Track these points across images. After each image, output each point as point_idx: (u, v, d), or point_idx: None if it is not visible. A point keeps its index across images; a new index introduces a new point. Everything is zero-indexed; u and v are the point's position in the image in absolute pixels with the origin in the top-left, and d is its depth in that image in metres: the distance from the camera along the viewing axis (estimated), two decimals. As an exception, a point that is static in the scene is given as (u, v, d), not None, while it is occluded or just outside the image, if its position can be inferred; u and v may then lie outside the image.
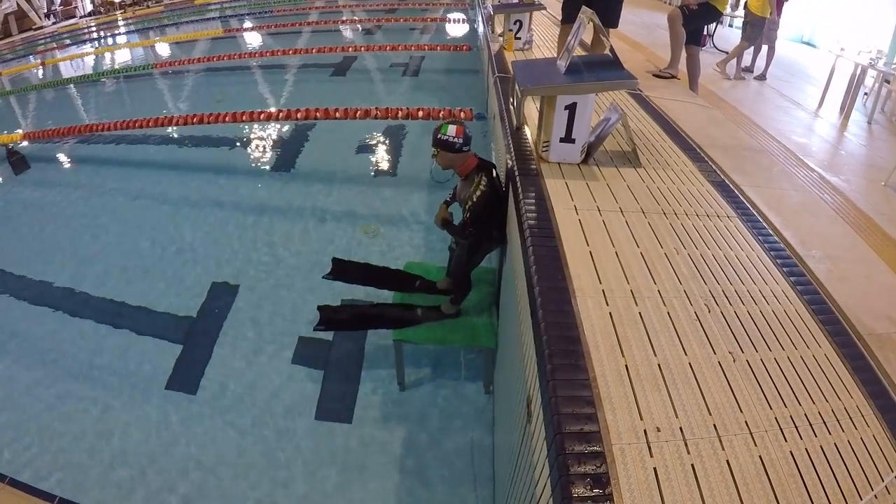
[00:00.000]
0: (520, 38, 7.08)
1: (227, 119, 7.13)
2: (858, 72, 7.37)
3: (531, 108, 4.35)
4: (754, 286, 2.45)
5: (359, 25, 15.13)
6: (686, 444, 1.68)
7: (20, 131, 8.74)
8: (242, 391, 4.07)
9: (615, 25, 5.52)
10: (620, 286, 2.36)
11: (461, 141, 3.34)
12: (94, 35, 17.99)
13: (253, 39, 14.67)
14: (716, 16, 6.61)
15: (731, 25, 12.81)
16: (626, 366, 1.94)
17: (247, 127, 8.34)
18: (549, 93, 3.38)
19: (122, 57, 14.33)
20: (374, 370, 4.17)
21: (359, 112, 6.84)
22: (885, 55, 7.80)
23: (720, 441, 1.70)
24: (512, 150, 3.67)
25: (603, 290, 2.32)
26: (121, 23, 19.66)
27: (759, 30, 8.33)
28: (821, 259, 2.78)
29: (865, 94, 7.68)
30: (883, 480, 1.63)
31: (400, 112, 6.78)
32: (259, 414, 3.89)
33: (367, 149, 7.73)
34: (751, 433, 1.73)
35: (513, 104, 4.32)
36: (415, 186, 6.61)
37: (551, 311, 2.16)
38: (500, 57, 6.73)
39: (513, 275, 3.04)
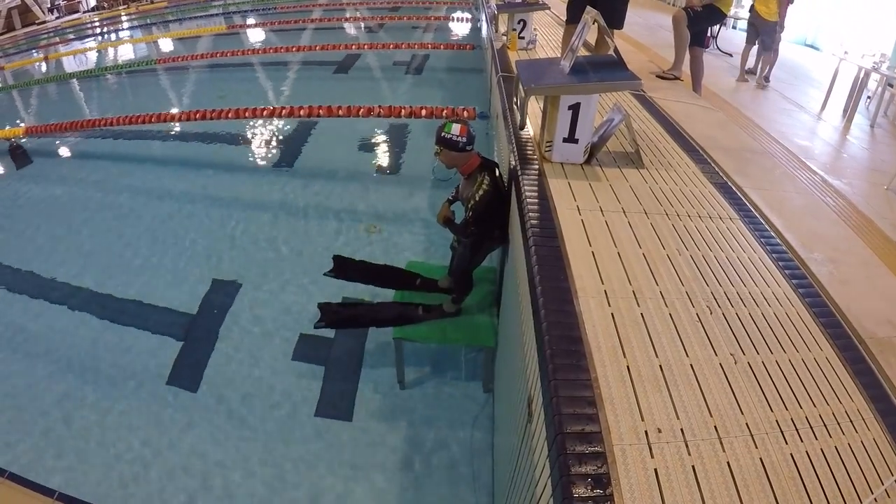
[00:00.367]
0: (523, 38, 7.08)
1: (229, 115, 7.12)
2: (862, 75, 7.36)
3: (534, 107, 4.34)
4: (756, 288, 2.45)
5: (362, 23, 15.12)
6: (687, 446, 1.68)
7: (22, 126, 8.73)
8: (243, 388, 4.07)
9: (620, 26, 5.52)
10: (622, 287, 2.36)
11: (465, 140, 3.35)
12: (98, 30, 18.01)
13: (256, 36, 14.66)
14: (720, 17, 6.60)
15: (734, 27, 12.80)
16: (628, 366, 1.94)
17: (249, 123, 8.35)
18: (553, 92, 3.38)
19: (125, 52, 14.33)
20: (375, 368, 4.17)
21: (361, 110, 6.84)
22: (888, 59, 7.78)
23: (721, 443, 1.70)
24: (515, 149, 3.67)
25: (605, 291, 2.32)
26: (124, 18, 19.65)
27: (771, 35, 8.27)
28: (822, 262, 2.78)
29: (868, 97, 7.66)
30: (883, 484, 1.63)
31: (403, 110, 6.77)
32: (259, 411, 3.89)
33: (369, 147, 7.73)
34: (751, 435, 1.73)
35: (516, 104, 4.32)
36: (417, 185, 6.61)
37: (553, 310, 2.16)
38: (503, 56, 6.73)
39: (514, 274, 3.04)
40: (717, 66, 9.05)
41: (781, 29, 8.30)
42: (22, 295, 5.12)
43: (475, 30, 12.76)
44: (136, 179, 7.06)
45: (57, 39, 16.63)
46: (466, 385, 4.02)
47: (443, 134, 3.36)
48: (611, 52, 3.68)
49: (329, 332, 4.37)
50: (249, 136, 8.20)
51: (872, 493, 1.61)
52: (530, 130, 4.03)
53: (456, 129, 3.34)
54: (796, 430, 1.78)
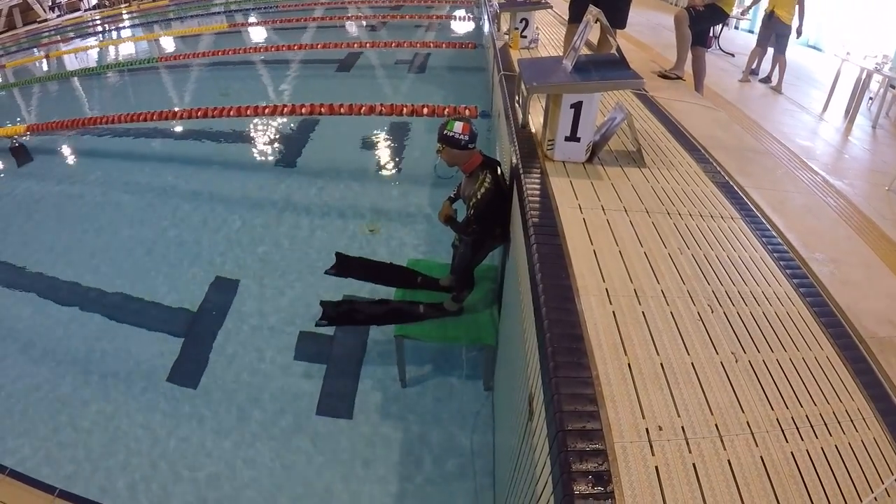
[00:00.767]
0: (525, 37, 7.08)
1: (231, 113, 7.12)
2: (864, 76, 7.36)
3: (536, 106, 4.35)
4: (757, 287, 2.45)
5: (364, 22, 15.11)
6: (688, 443, 1.68)
7: (24, 123, 8.73)
8: (243, 385, 4.08)
9: (622, 26, 5.51)
10: (624, 285, 2.36)
11: (467, 138, 3.35)
12: (99, 28, 17.99)
13: (258, 34, 14.66)
14: (722, 17, 6.60)
15: (736, 27, 12.80)
16: (629, 364, 1.94)
17: (251, 122, 8.35)
18: (555, 91, 3.38)
19: (127, 50, 14.32)
20: (376, 366, 4.18)
21: (363, 108, 6.84)
22: (890, 60, 7.79)
23: (722, 441, 1.70)
24: (517, 147, 3.67)
25: (606, 289, 2.32)
26: (125, 16, 19.65)
27: (786, 39, 8.25)
28: (824, 262, 2.79)
29: (870, 98, 7.66)
30: (883, 483, 1.64)
31: (405, 109, 6.77)
32: (260, 408, 3.89)
33: (371, 145, 7.74)
34: (752, 433, 1.74)
35: (518, 102, 4.32)
36: (419, 183, 6.61)
37: (554, 308, 2.17)
38: (505, 55, 6.73)
39: (516, 272, 3.04)
40: (720, 66, 9.06)
41: (799, 34, 8.29)
42: (22, 292, 5.12)
43: (477, 28, 12.76)
44: (137, 177, 7.05)
45: (58, 37, 16.60)
46: (467, 383, 4.02)
47: (445, 132, 3.36)
48: (613, 51, 3.67)
49: (330, 330, 4.38)
50: (251, 134, 8.20)
51: (872, 491, 1.61)
52: (532, 129, 4.03)
53: (458, 126, 3.34)
54: (797, 428, 1.78)
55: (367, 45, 12.05)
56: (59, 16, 20.35)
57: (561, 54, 4.51)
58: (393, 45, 11.48)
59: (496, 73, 6.28)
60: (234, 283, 5.05)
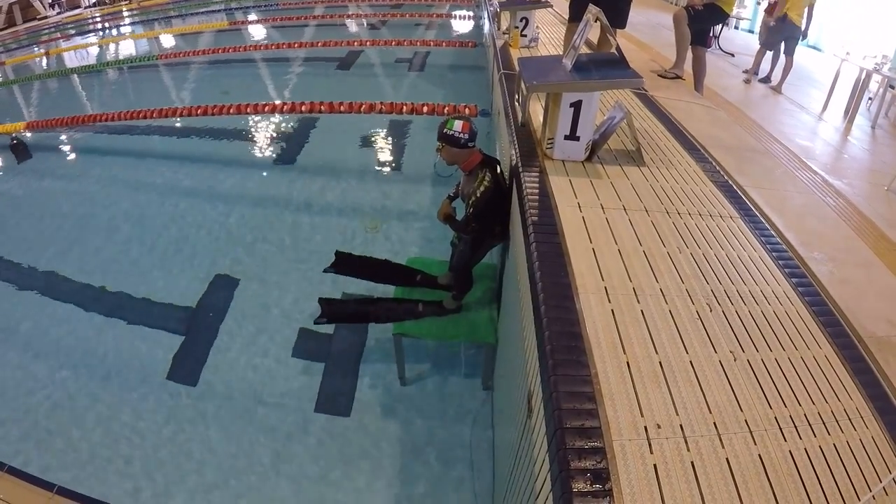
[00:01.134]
0: (525, 36, 7.08)
1: (231, 111, 7.12)
2: (863, 76, 7.37)
3: (536, 105, 4.35)
4: (756, 287, 2.45)
5: (364, 20, 15.09)
6: (686, 442, 1.69)
7: (23, 120, 8.72)
8: (242, 382, 4.08)
9: (623, 26, 5.51)
10: (623, 284, 2.37)
11: (467, 136, 3.35)
12: (99, 25, 17.97)
13: (258, 32, 14.66)
14: (722, 17, 6.60)
15: (736, 27, 12.79)
16: (628, 362, 1.95)
17: (251, 119, 8.35)
18: (555, 90, 3.38)
19: (127, 48, 14.31)
20: (374, 364, 4.18)
21: (363, 106, 6.84)
22: (889, 60, 7.79)
23: (720, 439, 1.71)
24: (516, 146, 3.67)
25: (605, 288, 2.33)
26: (125, 14, 19.61)
27: (796, 41, 8.22)
28: (822, 261, 2.79)
29: (870, 98, 7.67)
30: (881, 482, 1.64)
31: (405, 107, 6.77)
32: (258, 405, 3.90)
33: (371, 143, 7.73)
34: (750, 432, 1.74)
35: (518, 101, 4.32)
36: (418, 181, 6.61)
37: (553, 307, 2.17)
38: (505, 54, 6.73)
39: (515, 271, 3.05)
40: (720, 65, 9.06)
41: (805, 37, 8.27)
42: (22, 290, 5.11)
43: (477, 27, 12.74)
44: (136, 175, 7.05)
45: (58, 35, 16.58)
46: (466, 381, 4.03)
47: (445, 130, 3.36)
48: (613, 50, 3.68)
49: (329, 328, 4.38)
50: (251, 131, 8.20)
51: (870, 490, 1.61)
52: (532, 128, 4.03)
53: (458, 125, 3.34)
54: (795, 427, 1.78)
55: (368, 43, 12.04)
56: (59, 13, 20.33)
57: (561, 53, 4.50)
58: (393, 43, 11.47)
59: (496, 72, 6.28)
60: (234, 281, 5.05)
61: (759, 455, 1.67)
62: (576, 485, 1.53)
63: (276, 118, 8.40)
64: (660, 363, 1.96)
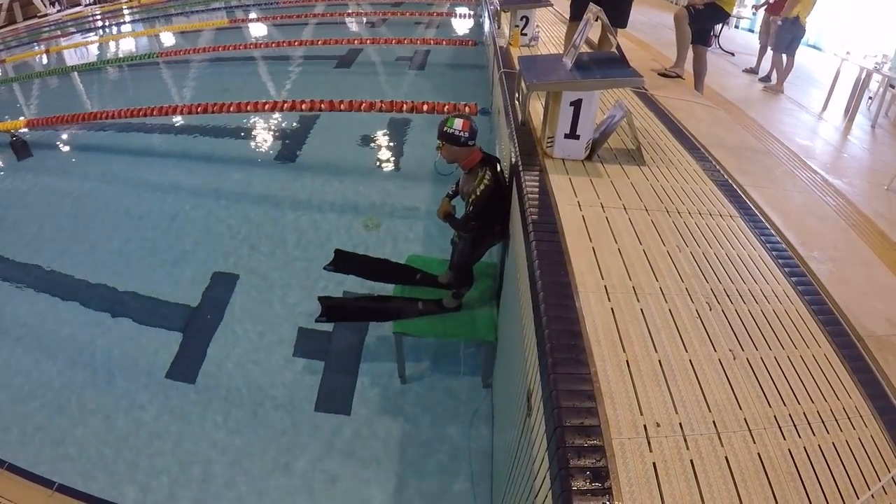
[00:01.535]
0: (525, 35, 7.08)
1: (231, 109, 7.11)
2: (863, 76, 7.36)
3: (536, 104, 4.34)
4: (756, 285, 2.46)
5: (364, 18, 15.09)
6: (685, 440, 1.69)
7: (23, 118, 8.71)
8: (242, 381, 4.08)
9: (624, 25, 5.51)
10: (622, 282, 2.37)
11: (467, 135, 3.35)
12: (99, 23, 17.94)
13: (258, 30, 14.65)
14: (723, 16, 6.60)
15: (737, 27, 12.78)
16: (627, 361, 1.95)
17: (251, 117, 8.34)
18: (555, 88, 3.38)
19: (127, 45, 14.31)
20: (374, 362, 4.18)
21: (363, 104, 6.84)
22: (890, 60, 7.78)
23: (719, 438, 1.71)
24: (516, 145, 3.67)
25: (605, 286, 2.33)
26: (126, 11, 19.60)
27: (799, 41, 8.19)
28: (822, 260, 2.79)
29: (870, 98, 7.66)
30: (880, 481, 1.64)
31: (405, 105, 6.76)
32: (258, 404, 3.90)
33: (371, 141, 7.73)
34: (750, 431, 1.74)
35: (518, 99, 4.32)
36: (418, 180, 6.61)
37: (553, 305, 2.17)
38: (505, 52, 6.73)
39: (515, 269, 3.05)
40: (720, 64, 9.05)
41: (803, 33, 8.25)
42: (22, 288, 5.11)
43: (477, 26, 12.74)
44: (136, 172, 7.05)
45: (58, 32, 16.57)
46: (466, 379, 4.03)
47: (445, 129, 3.36)
48: (613, 49, 3.68)
49: (328, 326, 4.38)
50: (251, 129, 8.19)
51: (869, 489, 1.61)
52: (532, 126, 4.03)
53: (458, 123, 3.34)
54: (794, 426, 1.79)
55: (368, 41, 12.01)
56: (59, 11, 20.30)
57: (561, 52, 4.50)
58: (393, 41, 11.45)
59: (496, 71, 6.28)
60: (233, 279, 5.05)
61: (759, 454, 1.68)
62: (575, 483, 1.53)
63: (277, 116, 8.39)
64: (659, 362, 1.96)
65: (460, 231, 3.73)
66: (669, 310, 2.23)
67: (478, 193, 3.36)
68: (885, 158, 6.01)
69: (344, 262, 4.34)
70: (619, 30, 5.34)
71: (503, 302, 3.76)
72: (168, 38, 14.32)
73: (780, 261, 2.67)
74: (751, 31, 12.56)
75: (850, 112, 7.27)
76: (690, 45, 6.42)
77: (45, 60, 13.24)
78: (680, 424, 1.74)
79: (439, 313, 3.83)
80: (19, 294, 5.04)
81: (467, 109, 6.42)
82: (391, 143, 7.72)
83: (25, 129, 8.26)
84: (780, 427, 1.77)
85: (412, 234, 5.61)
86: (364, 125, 7.91)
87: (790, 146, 5.71)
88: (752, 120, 6.54)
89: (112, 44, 14.62)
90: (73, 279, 5.16)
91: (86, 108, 9.50)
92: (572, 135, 3.47)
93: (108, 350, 4.38)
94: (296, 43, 11.54)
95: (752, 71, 8.88)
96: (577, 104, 3.35)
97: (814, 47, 11.30)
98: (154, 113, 7.37)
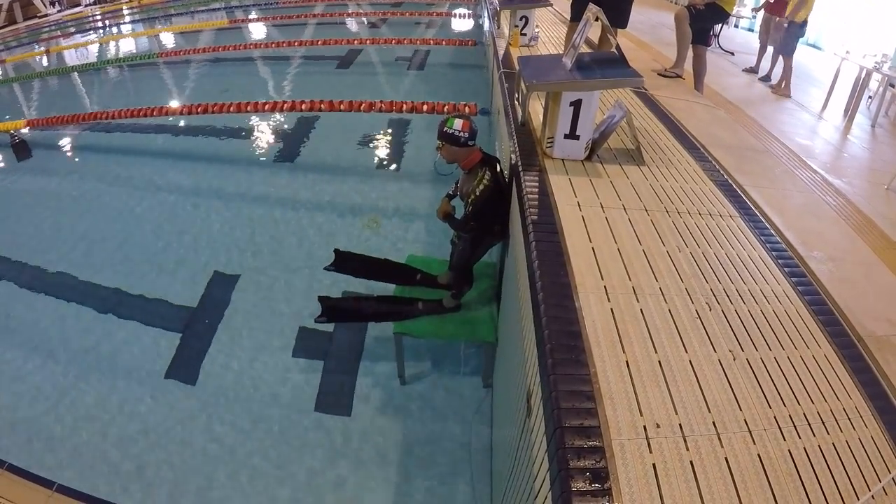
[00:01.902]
0: (525, 35, 7.07)
1: (231, 109, 7.12)
2: (863, 75, 7.36)
3: (536, 104, 4.34)
4: (756, 286, 2.45)
5: (364, 18, 15.08)
6: (685, 441, 1.69)
7: (23, 119, 8.72)
8: (242, 381, 4.08)
9: (624, 26, 5.51)
10: (622, 283, 2.37)
11: (467, 135, 3.34)
12: (100, 23, 17.95)
13: (258, 30, 14.66)
14: (723, 16, 6.60)
15: (736, 26, 12.78)
16: (627, 362, 1.95)
17: (251, 118, 8.34)
18: (555, 89, 3.38)
19: (127, 46, 14.30)
20: (374, 363, 4.18)
21: (363, 105, 6.84)
22: (889, 59, 7.77)
23: (719, 438, 1.71)
24: (516, 145, 3.67)
25: (605, 287, 2.33)
26: (126, 11, 19.60)
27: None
28: (822, 260, 2.79)
29: (870, 97, 7.65)
30: (881, 481, 1.64)
31: (404, 105, 6.77)
32: (258, 404, 3.90)
33: (370, 141, 7.73)
34: (750, 431, 1.74)
35: (518, 100, 4.32)
36: (418, 180, 6.61)
37: (553, 306, 2.17)
38: (505, 53, 6.72)
39: (515, 269, 3.05)
40: (720, 64, 9.05)
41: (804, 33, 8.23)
42: (21, 288, 5.11)
43: (477, 26, 12.74)
44: (136, 173, 7.05)
45: (58, 33, 16.58)
46: (466, 380, 4.03)
47: (445, 129, 3.36)
48: (613, 49, 3.68)
49: (329, 327, 4.38)
50: (251, 130, 8.19)
51: (870, 490, 1.61)
52: (532, 126, 4.02)
53: (458, 124, 3.34)
54: (794, 426, 1.78)
55: (368, 41, 12.01)
56: (59, 11, 20.31)
57: (561, 52, 4.50)
58: (393, 41, 11.45)
59: (496, 71, 6.28)
60: (233, 279, 5.05)
61: (759, 454, 1.67)
62: (575, 484, 1.53)
63: (276, 116, 8.39)
64: (659, 362, 1.96)
65: (459, 231, 3.72)
66: (669, 310, 2.23)
67: (477, 194, 3.36)
68: (886, 158, 6.01)
69: (344, 262, 4.34)
70: (618, 30, 5.34)
71: (503, 302, 3.75)
72: (168, 39, 14.33)
73: (779, 261, 2.66)
74: (750, 30, 12.55)
75: (850, 111, 7.27)
76: (690, 45, 6.42)
77: (45, 61, 13.25)
78: (680, 425, 1.73)
79: (439, 314, 3.83)
80: (19, 294, 5.04)
81: (467, 110, 6.42)
82: (391, 144, 7.72)
83: (26, 129, 8.26)
84: (780, 428, 1.77)
85: (412, 235, 5.61)
86: (364, 125, 7.91)
87: (790, 146, 5.71)
88: (752, 119, 6.54)
89: (112, 44, 14.63)
90: (72, 279, 5.16)
91: (86, 109, 9.51)
92: (572, 135, 3.46)
93: (108, 350, 4.38)
94: (296, 43, 11.55)
95: (752, 70, 8.88)
96: (576, 104, 3.35)
97: (814, 47, 11.30)
98: (154, 113, 7.37)
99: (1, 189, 7.01)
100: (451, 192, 3.82)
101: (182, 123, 8.37)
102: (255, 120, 8.37)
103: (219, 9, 18.17)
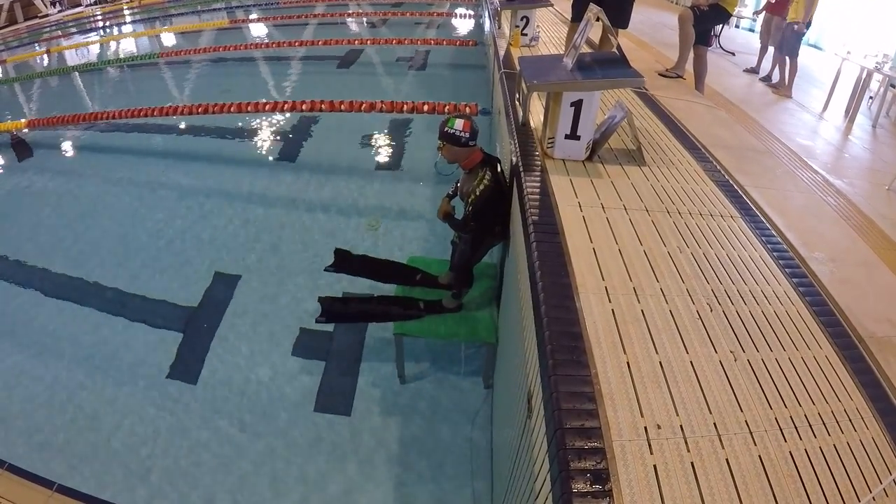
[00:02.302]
0: (526, 35, 7.07)
1: (232, 110, 7.11)
2: (864, 75, 7.36)
3: (537, 104, 4.34)
4: (756, 286, 2.45)
5: (364, 18, 15.09)
6: (686, 442, 1.68)
7: (24, 118, 8.72)
8: (242, 381, 4.07)
9: (625, 26, 5.51)
10: (623, 283, 2.36)
11: (468, 135, 3.34)
12: (100, 23, 17.95)
13: (259, 30, 14.66)
14: (726, 17, 6.61)
15: (737, 26, 12.78)
16: (628, 363, 1.94)
17: (252, 118, 8.34)
18: (556, 89, 3.38)
19: (128, 46, 14.31)
20: (374, 363, 4.18)
21: (364, 105, 6.84)
22: (890, 59, 7.77)
23: (720, 440, 1.70)
24: (517, 145, 3.66)
25: (605, 287, 2.32)
26: (126, 12, 19.61)
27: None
28: (823, 261, 2.79)
29: (871, 97, 7.65)
30: (881, 483, 1.64)
31: (405, 106, 6.76)
32: (258, 404, 3.89)
33: (371, 142, 7.73)
34: (751, 433, 1.74)
35: (518, 100, 4.31)
36: (419, 180, 6.61)
37: (554, 306, 2.17)
38: (506, 53, 6.72)
39: (515, 270, 3.04)
40: (721, 64, 9.05)
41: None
42: (21, 288, 5.11)
43: (478, 26, 12.74)
44: (137, 173, 7.05)
45: (59, 33, 16.58)
46: (466, 380, 4.02)
47: (446, 129, 3.36)
48: (614, 49, 3.67)
49: (329, 327, 4.37)
50: (252, 130, 8.19)
51: (871, 491, 1.61)
52: (532, 127, 4.02)
53: (459, 124, 3.34)
54: (795, 428, 1.78)
55: (368, 41, 12.01)
56: (60, 11, 20.32)
57: (562, 52, 4.50)
58: (394, 41, 11.45)
59: (497, 71, 6.27)
60: (234, 279, 5.05)
61: (759, 456, 1.67)
62: (575, 485, 1.53)
63: (277, 117, 8.39)
64: (660, 363, 1.96)
65: (459, 231, 3.72)
66: (670, 311, 2.23)
67: (477, 194, 3.36)
68: (886, 158, 6.01)
69: (344, 262, 4.34)
70: (619, 30, 5.34)
71: (503, 303, 3.75)
72: (168, 39, 14.34)
73: (780, 261, 2.66)
74: (751, 30, 12.55)
75: (851, 112, 7.27)
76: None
77: (45, 61, 13.25)
78: (681, 426, 1.73)
79: (440, 314, 3.83)
80: (19, 294, 5.04)
81: (468, 110, 6.42)
82: (392, 144, 7.72)
83: (26, 129, 8.26)
84: (780, 429, 1.77)
85: (412, 235, 5.61)
86: (365, 126, 7.91)
87: (791, 146, 5.71)
88: (753, 120, 6.53)
89: (113, 44, 14.62)
90: (73, 279, 5.16)
91: (87, 109, 9.51)
92: (573, 135, 3.46)
93: (109, 351, 4.38)
94: (296, 43, 11.56)
95: (753, 71, 8.88)
96: (577, 104, 3.35)
97: (814, 47, 11.29)
98: (155, 113, 7.36)
99: (1, 189, 7.01)
100: (451, 192, 3.82)
101: (183, 124, 8.37)
102: (255, 120, 8.37)
103: (220, 9, 18.17)
